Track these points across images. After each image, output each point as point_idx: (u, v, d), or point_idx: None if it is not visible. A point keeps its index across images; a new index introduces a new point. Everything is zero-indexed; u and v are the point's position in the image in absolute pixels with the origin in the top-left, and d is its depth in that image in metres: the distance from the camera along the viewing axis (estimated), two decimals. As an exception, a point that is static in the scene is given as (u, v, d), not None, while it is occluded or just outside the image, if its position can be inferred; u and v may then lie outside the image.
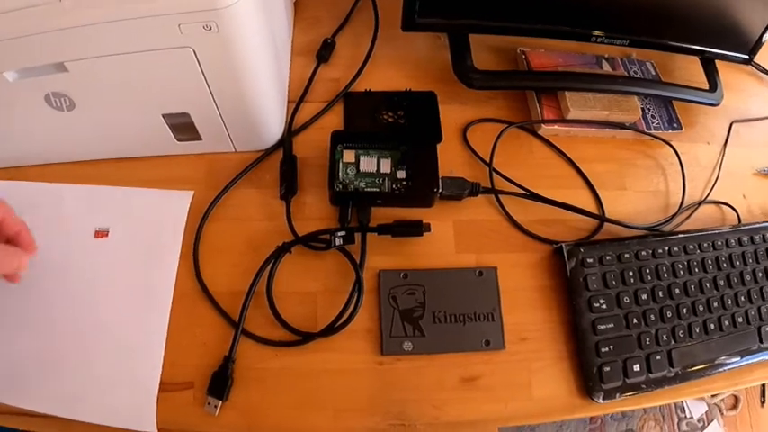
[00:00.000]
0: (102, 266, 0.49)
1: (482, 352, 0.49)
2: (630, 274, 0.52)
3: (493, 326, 0.50)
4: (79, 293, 0.48)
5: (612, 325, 0.50)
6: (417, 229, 0.50)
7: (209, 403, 0.44)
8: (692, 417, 1.31)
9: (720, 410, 1.32)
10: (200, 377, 0.45)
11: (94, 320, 0.47)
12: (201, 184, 0.53)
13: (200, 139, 0.51)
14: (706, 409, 1.33)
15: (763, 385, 1.34)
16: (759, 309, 0.55)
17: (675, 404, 1.30)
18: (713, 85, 0.64)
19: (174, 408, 0.44)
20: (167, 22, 0.37)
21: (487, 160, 0.56)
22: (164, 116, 0.47)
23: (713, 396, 1.32)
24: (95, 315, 0.47)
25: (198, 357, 0.46)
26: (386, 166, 0.52)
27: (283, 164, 0.54)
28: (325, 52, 0.61)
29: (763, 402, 1.35)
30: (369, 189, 0.52)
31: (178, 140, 0.51)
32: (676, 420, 1.30)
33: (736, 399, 1.35)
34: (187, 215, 0.51)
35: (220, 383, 0.45)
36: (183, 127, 0.49)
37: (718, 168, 0.62)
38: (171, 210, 0.52)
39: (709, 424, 1.31)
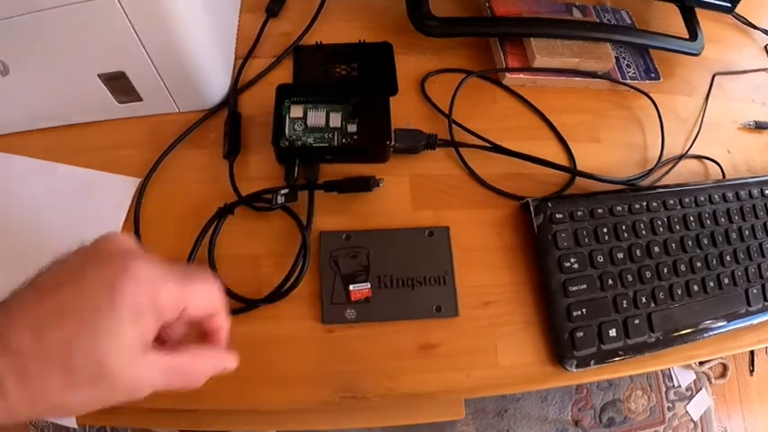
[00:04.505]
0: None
1: (440, 319, 0.41)
2: (605, 230, 0.45)
3: (445, 290, 0.42)
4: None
5: (585, 286, 0.43)
6: (365, 183, 0.43)
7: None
8: (680, 385, 1.23)
9: (709, 379, 1.24)
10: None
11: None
12: (144, 147, 0.46)
13: (141, 99, 0.45)
14: (694, 377, 1.24)
15: (752, 353, 1.25)
16: (746, 270, 0.48)
17: (663, 373, 1.21)
18: (693, 33, 0.56)
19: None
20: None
21: (447, 112, 0.49)
22: (100, 77, 0.42)
23: (701, 364, 1.23)
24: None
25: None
26: (336, 120, 0.45)
27: (227, 122, 0.47)
28: (274, 6, 0.53)
29: (752, 371, 1.26)
30: (317, 144, 0.44)
31: (119, 103, 0.45)
32: (664, 389, 1.21)
33: (725, 367, 1.26)
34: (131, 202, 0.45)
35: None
36: (121, 87, 0.43)
37: (699, 121, 0.55)
38: (114, 195, 0.45)
39: (697, 392, 1.22)
